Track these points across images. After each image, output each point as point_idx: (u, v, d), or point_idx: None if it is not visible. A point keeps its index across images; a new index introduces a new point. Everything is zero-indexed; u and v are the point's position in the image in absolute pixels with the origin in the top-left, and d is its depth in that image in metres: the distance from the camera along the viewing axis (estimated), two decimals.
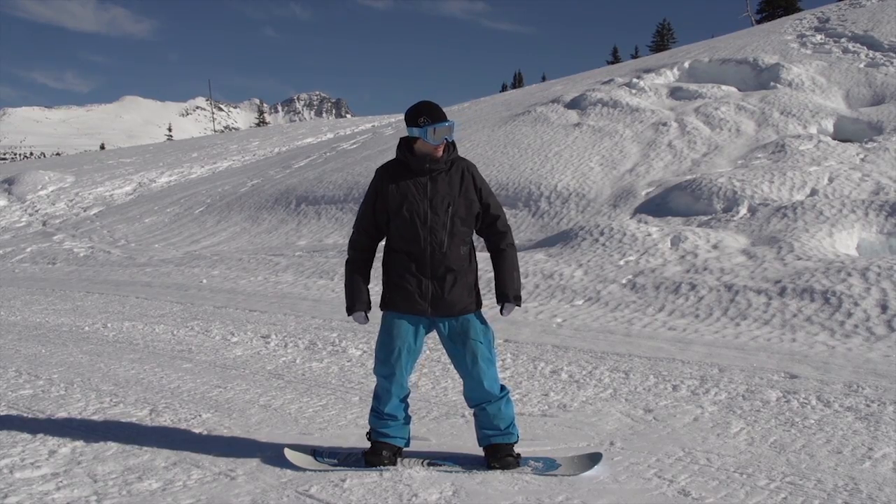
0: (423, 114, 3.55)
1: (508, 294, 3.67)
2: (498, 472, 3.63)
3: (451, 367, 5.86)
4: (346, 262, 3.75)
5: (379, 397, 3.73)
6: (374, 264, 3.79)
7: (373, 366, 3.79)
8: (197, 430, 4.35)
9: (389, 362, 3.64)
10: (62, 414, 4.71)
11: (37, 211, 22.10)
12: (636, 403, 4.89)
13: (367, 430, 3.82)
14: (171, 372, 5.85)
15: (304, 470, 3.67)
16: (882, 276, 7.25)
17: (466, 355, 3.63)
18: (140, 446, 4.00)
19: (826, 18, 20.53)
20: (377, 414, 3.72)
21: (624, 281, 8.49)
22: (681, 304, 7.68)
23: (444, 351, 3.81)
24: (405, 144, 3.64)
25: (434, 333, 3.78)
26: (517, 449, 3.74)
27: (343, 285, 3.74)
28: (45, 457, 3.86)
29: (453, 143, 3.65)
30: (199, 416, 4.65)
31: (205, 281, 11.03)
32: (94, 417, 4.64)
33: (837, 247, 8.77)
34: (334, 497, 3.35)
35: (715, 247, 9.05)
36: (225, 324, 7.86)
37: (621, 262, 9.06)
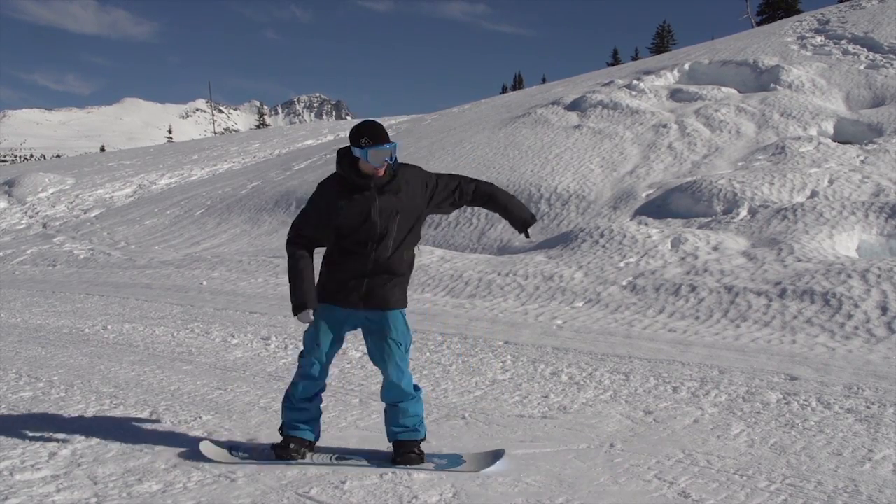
0: (365, 135, 3.58)
1: (526, 217, 3.90)
2: (499, 475, 3.63)
3: (451, 369, 5.88)
4: (291, 261, 3.75)
5: (297, 386, 3.81)
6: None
7: (299, 353, 3.87)
8: (197, 432, 4.35)
9: (315, 352, 3.75)
10: (62, 416, 4.71)
11: (37, 213, 22.10)
12: (636, 405, 4.89)
13: (280, 424, 3.92)
14: (171, 374, 5.85)
15: (221, 462, 3.77)
16: (882, 277, 7.25)
17: (384, 353, 3.74)
18: (140, 448, 4.00)
19: (826, 20, 20.54)
20: (290, 404, 3.82)
21: (624, 283, 8.49)
22: (681, 305, 7.68)
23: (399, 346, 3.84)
24: (347, 160, 3.66)
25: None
26: (424, 446, 3.84)
27: (289, 284, 3.75)
28: (45, 459, 3.86)
29: (396, 161, 3.70)
30: (200, 417, 4.65)
31: (205, 283, 11.03)
32: (95, 419, 4.64)
33: (838, 248, 8.77)
34: (334, 499, 3.35)
35: (715, 248, 9.05)
36: (225, 326, 7.86)
37: (621, 264, 9.06)
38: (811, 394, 5.00)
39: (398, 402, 3.79)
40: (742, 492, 3.42)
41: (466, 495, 3.38)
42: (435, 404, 4.95)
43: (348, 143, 3.71)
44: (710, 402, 4.91)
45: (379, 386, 5.31)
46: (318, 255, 3.79)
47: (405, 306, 3.82)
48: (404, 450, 3.77)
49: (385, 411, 3.87)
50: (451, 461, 3.78)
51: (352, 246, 3.67)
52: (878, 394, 4.96)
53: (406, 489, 3.45)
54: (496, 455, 3.79)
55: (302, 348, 3.84)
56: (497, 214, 4.01)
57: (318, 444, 3.96)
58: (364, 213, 3.63)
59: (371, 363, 3.97)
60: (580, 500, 3.33)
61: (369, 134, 3.58)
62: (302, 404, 3.81)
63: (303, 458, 3.79)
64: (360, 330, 3.85)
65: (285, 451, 3.78)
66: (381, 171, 3.64)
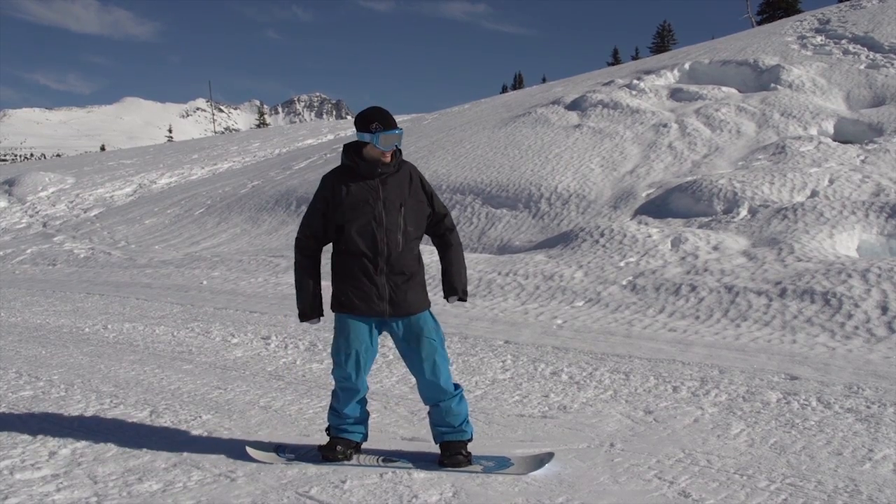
0: (376, 120, 3.65)
1: (458, 288, 3.84)
2: (498, 474, 3.63)
3: (452, 368, 5.87)
4: (296, 265, 3.77)
5: (338, 397, 3.81)
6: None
7: (331, 368, 3.82)
8: (197, 432, 4.35)
9: (348, 365, 3.71)
10: (62, 415, 4.71)
11: (37, 212, 22.10)
12: (636, 405, 4.89)
13: (327, 425, 3.91)
14: (171, 373, 5.85)
15: (270, 463, 3.77)
16: (882, 277, 7.25)
17: (422, 354, 3.71)
18: (140, 447, 4.00)
19: (826, 20, 20.53)
20: (336, 413, 3.83)
21: (624, 282, 8.49)
22: (681, 305, 7.68)
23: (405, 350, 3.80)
24: (353, 150, 3.71)
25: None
26: (471, 446, 3.81)
27: (295, 288, 3.79)
28: (45, 458, 3.86)
29: (399, 150, 3.75)
30: (200, 417, 4.65)
31: (205, 282, 11.03)
32: (95, 419, 4.64)
33: (838, 248, 8.77)
34: (334, 498, 3.35)
35: (715, 248, 9.05)
36: (225, 325, 7.86)
37: (622, 264, 9.06)
38: (811, 393, 5.00)
39: (439, 401, 3.74)
40: (742, 491, 3.42)
41: (466, 495, 3.38)
42: None
43: (354, 140, 3.74)
44: (710, 402, 4.90)
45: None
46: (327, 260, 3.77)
47: (430, 306, 3.80)
48: (451, 451, 3.73)
49: (429, 412, 3.84)
50: (499, 463, 3.74)
51: (363, 245, 3.62)
52: (879, 393, 4.96)
53: (406, 488, 3.45)
54: (546, 458, 3.76)
55: (333, 365, 3.78)
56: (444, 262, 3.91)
57: (366, 445, 3.93)
58: (369, 199, 3.63)
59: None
60: (580, 500, 3.33)
61: (380, 119, 3.65)
62: (345, 412, 3.79)
63: (349, 459, 3.78)
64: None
65: (332, 452, 3.77)
66: (388, 157, 3.67)
